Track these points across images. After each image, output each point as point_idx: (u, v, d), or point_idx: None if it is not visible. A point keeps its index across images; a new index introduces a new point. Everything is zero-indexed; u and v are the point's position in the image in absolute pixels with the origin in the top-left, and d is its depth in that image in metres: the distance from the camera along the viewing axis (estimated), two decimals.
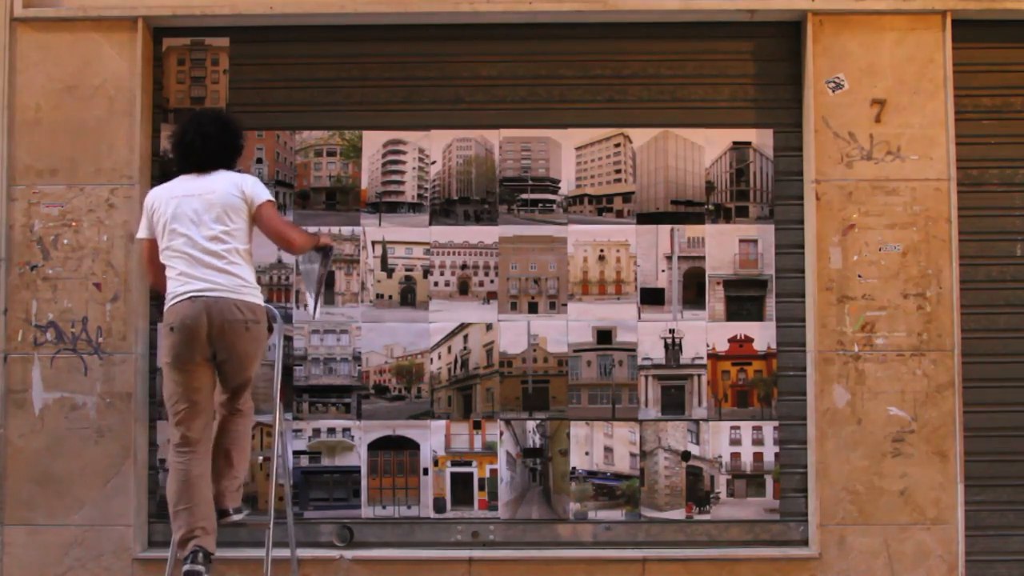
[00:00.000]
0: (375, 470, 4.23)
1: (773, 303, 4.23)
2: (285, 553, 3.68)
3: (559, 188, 4.29)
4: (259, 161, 4.26)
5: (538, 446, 4.24)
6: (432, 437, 4.24)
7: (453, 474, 4.23)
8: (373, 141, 4.30)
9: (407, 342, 4.26)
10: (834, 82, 4.10)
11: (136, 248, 4.07)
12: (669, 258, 4.27)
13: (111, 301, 4.06)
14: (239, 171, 3.49)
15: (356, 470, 4.23)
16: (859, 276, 4.06)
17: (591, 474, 4.22)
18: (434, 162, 4.30)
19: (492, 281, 4.28)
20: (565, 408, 4.24)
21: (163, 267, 3.38)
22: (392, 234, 4.30)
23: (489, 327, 4.26)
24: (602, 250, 4.28)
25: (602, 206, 4.29)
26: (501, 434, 4.24)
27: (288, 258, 4.22)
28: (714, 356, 4.24)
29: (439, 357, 4.26)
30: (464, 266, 4.28)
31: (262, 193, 3.41)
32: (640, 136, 4.29)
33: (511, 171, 4.30)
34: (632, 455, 4.22)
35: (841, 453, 4.02)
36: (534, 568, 4.07)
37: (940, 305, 4.05)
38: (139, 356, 4.08)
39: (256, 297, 3.37)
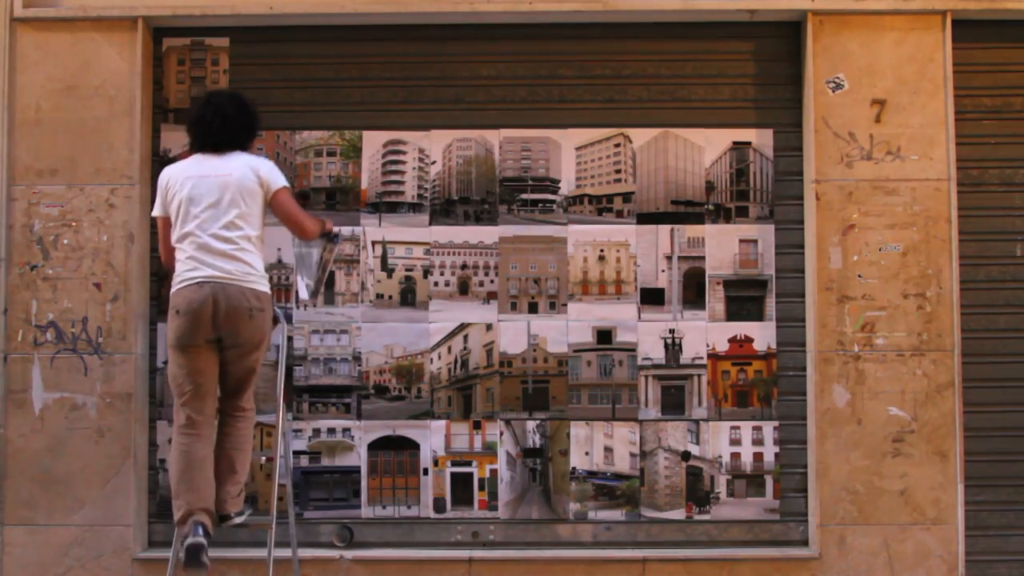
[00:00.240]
0: (375, 470, 4.23)
1: (773, 303, 4.23)
2: (285, 553, 3.68)
3: (559, 188, 4.29)
4: None
5: (538, 446, 4.24)
6: (432, 437, 4.24)
7: (453, 474, 4.23)
8: (373, 141, 4.30)
9: (407, 342, 4.26)
10: (834, 82, 4.10)
11: (136, 248, 4.08)
12: (669, 258, 4.27)
13: (111, 301, 4.06)
14: (256, 153, 3.48)
15: (356, 470, 4.23)
16: (859, 276, 4.06)
17: (591, 474, 4.22)
18: (434, 162, 4.30)
19: (492, 281, 4.28)
20: (565, 408, 4.24)
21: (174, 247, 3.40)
22: (392, 234, 4.30)
23: (489, 327, 4.27)
24: (602, 250, 4.28)
25: (602, 206, 4.29)
26: (501, 434, 4.24)
27: (288, 258, 4.22)
28: (714, 356, 4.24)
29: (439, 357, 4.26)
30: (464, 266, 4.28)
31: (278, 179, 3.42)
32: (640, 136, 4.29)
33: (511, 171, 4.30)
34: (632, 455, 4.22)
35: (841, 453, 4.02)
36: (534, 568, 4.07)
37: (940, 305, 4.05)
38: (139, 356, 4.08)
39: (263, 286, 3.38)
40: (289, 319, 4.21)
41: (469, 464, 4.24)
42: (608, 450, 4.22)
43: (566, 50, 4.27)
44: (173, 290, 3.33)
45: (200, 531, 3.16)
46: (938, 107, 4.09)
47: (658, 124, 4.28)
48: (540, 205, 4.30)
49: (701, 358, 4.25)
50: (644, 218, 4.29)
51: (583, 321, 4.26)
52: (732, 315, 4.25)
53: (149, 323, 4.18)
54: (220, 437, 3.43)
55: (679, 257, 4.28)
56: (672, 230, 4.29)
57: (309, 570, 3.99)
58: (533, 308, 4.27)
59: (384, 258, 4.29)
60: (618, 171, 4.29)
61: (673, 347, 4.25)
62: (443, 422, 4.25)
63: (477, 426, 4.24)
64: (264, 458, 3.71)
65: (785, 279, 4.23)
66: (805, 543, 4.13)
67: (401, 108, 4.28)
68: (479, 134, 4.30)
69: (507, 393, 4.25)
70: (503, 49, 4.27)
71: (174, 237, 3.37)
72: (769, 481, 4.20)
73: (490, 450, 4.24)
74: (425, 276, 4.28)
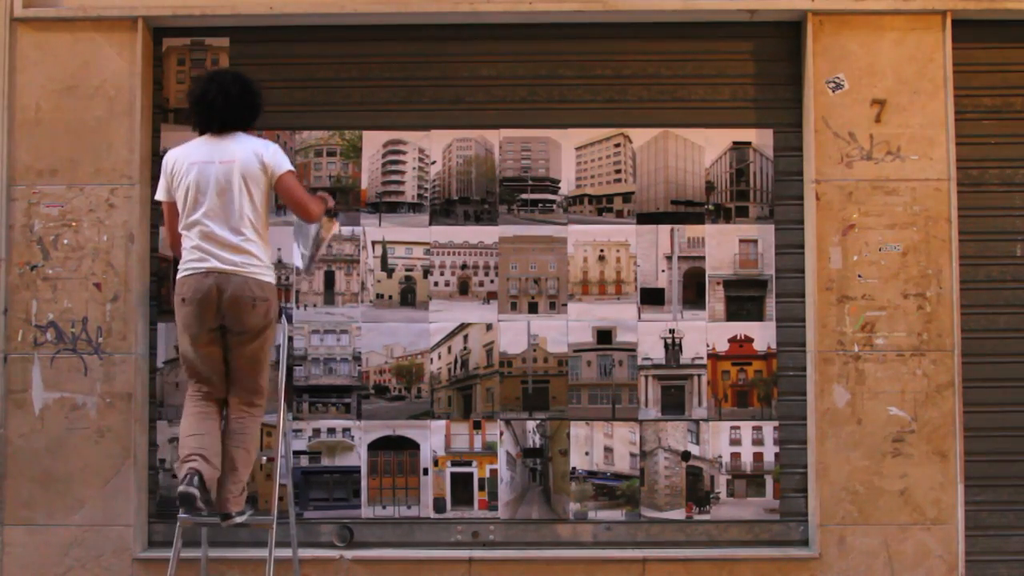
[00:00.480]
0: (375, 470, 4.23)
1: (773, 303, 4.23)
2: (285, 553, 3.68)
3: (559, 188, 4.29)
4: None
5: (538, 446, 4.24)
6: (432, 437, 4.24)
7: (453, 474, 4.23)
8: (373, 141, 4.30)
9: (407, 342, 4.26)
10: (834, 82, 4.10)
11: (136, 248, 4.08)
12: (669, 258, 4.27)
13: (111, 301, 4.06)
14: (259, 135, 3.48)
15: (356, 470, 4.23)
16: (859, 276, 4.06)
17: (591, 474, 4.22)
18: (434, 162, 4.30)
19: (492, 281, 4.28)
20: (565, 408, 4.24)
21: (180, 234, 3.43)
22: (392, 234, 4.30)
23: (489, 327, 4.26)
24: (602, 250, 4.28)
25: (602, 206, 4.29)
26: (501, 434, 4.24)
27: (288, 258, 4.22)
28: (714, 356, 4.24)
29: (439, 357, 4.26)
30: (464, 266, 4.28)
31: (283, 163, 3.41)
32: (640, 136, 4.29)
33: (511, 171, 4.30)
34: (632, 455, 4.22)
35: (841, 453, 4.02)
36: (534, 568, 4.07)
37: (940, 305, 4.05)
38: (139, 356, 4.08)
39: (267, 276, 3.39)
40: (289, 319, 4.21)
41: (469, 464, 4.24)
42: (608, 450, 4.22)
43: (566, 50, 4.27)
44: (179, 277, 3.37)
45: (195, 480, 3.18)
46: (938, 107, 4.09)
47: (658, 124, 4.28)
48: (540, 205, 4.30)
49: (701, 358, 4.25)
50: (644, 218, 4.29)
51: (583, 321, 4.26)
52: (732, 315, 4.25)
53: (149, 323, 4.18)
54: (224, 435, 3.41)
55: (679, 257, 4.28)
56: (672, 230, 4.29)
57: (309, 570, 3.99)
58: (533, 308, 4.27)
59: (384, 258, 4.29)
60: (618, 171, 4.29)
61: (673, 347, 4.25)
62: (443, 422, 4.25)
63: (477, 426, 4.24)
64: (264, 458, 3.71)
65: (785, 279, 4.23)
66: (805, 543, 4.13)
67: (401, 108, 4.28)
68: (479, 134, 4.30)
69: (507, 393, 4.25)
70: (503, 49, 4.27)
71: (181, 223, 3.39)
72: (769, 481, 4.20)
73: (490, 450, 4.24)
74: (425, 276, 4.28)
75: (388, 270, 4.28)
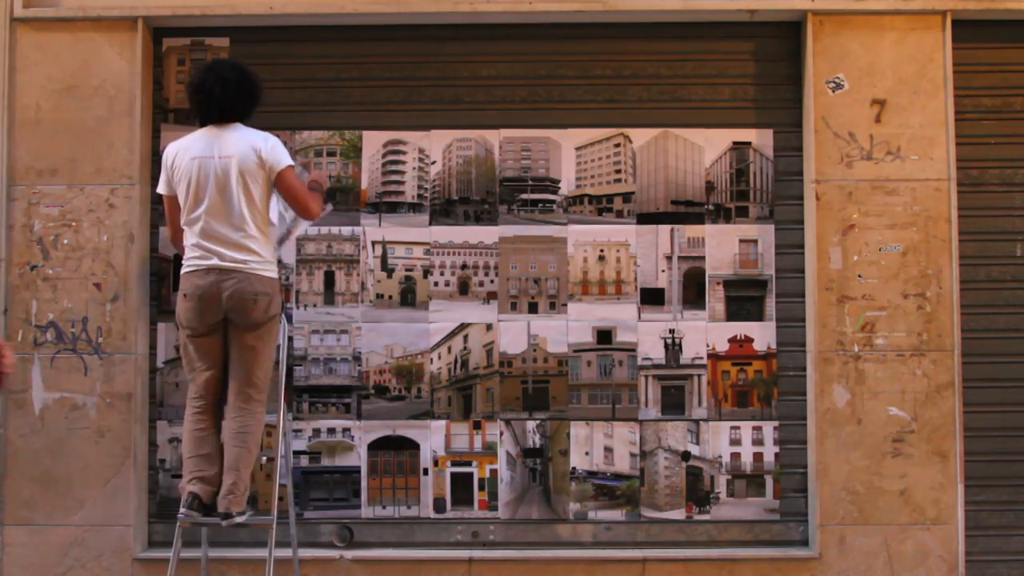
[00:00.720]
0: (375, 470, 4.23)
1: (773, 303, 4.23)
2: (285, 553, 3.68)
3: (559, 188, 4.29)
4: None
5: (538, 446, 4.24)
6: (432, 437, 4.24)
7: (453, 474, 4.23)
8: (373, 141, 4.30)
9: (407, 342, 4.26)
10: (834, 82, 4.10)
11: (136, 248, 4.08)
12: (669, 258, 4.27)
13: (111, 301, 4.06)
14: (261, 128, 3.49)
15: (356, 470, 4.23)
16: (859, 276, 4.06)
17: (591, 474, 4.22)
18: (434, 162, 4.30)
19: (492, 281, 4.28)
20: (565, 408, 4.24)
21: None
22: (392, 234, 4.30)
23: (489, 327, 4.26)
24: (602, 250, 4.28)
25: (602, 206, 4.29)
26: (501, 434, 4.24)
27: (288, 258, 4.23)
28: (714, 356, 4.24)
29: (439, 357, 4.26)
30: (464, 266, 4.28)
31: (282, 158, 3.40)
32: (640, 136, 4.29)
33: (511, 171, 4.30)
34: (632, 455, 4.22)
35: (841, 453, 4.02)
36: (534, 568, 4.07)
37: (940, 305, 4.05)
38: (139, 356, 4.08)
39: (269, 271, 3.41)
40: (289, 319, 4.21)
41: (469, 464, 4.24)
42: (608, 450, 4.22)
43: (566, 50, 4.27)
44: (182, 272, 3.41)
45: (195, 504, 3.29)
46: (938, 107, 4.09)
47: (658, 124, 4.28)
48: (540, 205, 4.30)
49: (701, 358, 4.25)
50: (644, 218, 4.29)
51: (583, 321, 4.26)
52: (732, 315, 4.25)
53: (149, 323, 4.18)
54: (225, 435, 3.40)
55: (679, 257, 4.28)
56: (672, 230, 4.29)
57: (309, 570, 4.00)
58: (533, 308, 4.27)
59: (384, 258, 4.29)
60: (618, 171, 4.29)
61: (673, 347, 4.25)
62: (443, 422, 4.25)
63: (477, 426, 4.24)
64: (264, 458, 3.71)
65: (785, 279, 4.23)
66: (805, 543, 4.13)
67: (401, 108, 4.28)
68: (479, 134, 4.30)
69: (507, 393, 4.25)
70: (503, 49, 4.27)
71: (182, 219, 3.41)
72: (769, 481, 4.20)
73: (490, 450, 4.24)
74: (425, 276, 4.27)
75: (388, 270, 4.28)
